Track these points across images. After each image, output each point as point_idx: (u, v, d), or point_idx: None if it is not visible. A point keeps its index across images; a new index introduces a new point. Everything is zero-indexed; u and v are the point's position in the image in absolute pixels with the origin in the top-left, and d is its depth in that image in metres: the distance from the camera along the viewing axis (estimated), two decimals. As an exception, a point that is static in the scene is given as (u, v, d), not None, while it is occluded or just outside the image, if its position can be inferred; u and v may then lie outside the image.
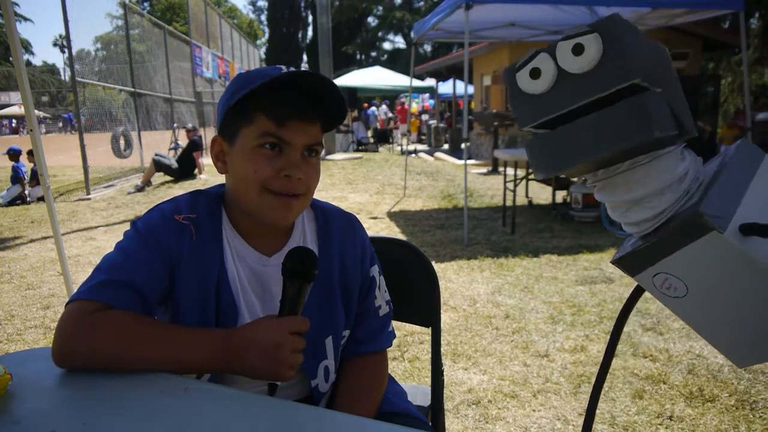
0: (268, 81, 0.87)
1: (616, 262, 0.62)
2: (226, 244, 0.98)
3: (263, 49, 53.00)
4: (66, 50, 8.59)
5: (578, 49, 0.54)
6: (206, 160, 9.48)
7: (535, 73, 0.57)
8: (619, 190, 0.61)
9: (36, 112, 2.70)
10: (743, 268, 0.56)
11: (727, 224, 0.54)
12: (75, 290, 0.90)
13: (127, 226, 0.99)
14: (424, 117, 20.68)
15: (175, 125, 12.63)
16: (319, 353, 1.01)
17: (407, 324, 1.21)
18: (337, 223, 1.07)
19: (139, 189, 8.52)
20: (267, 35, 57.06)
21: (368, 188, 8.29)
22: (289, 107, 0.91)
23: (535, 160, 0.59)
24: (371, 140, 16.41)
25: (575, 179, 5.98)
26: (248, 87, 0.88)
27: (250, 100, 0.89)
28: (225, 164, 0.97)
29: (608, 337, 0.70)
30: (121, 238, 0.97)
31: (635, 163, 0.59)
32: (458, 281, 3.98)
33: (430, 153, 14.44)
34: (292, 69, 0.91)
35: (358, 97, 18.39)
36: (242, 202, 0.96)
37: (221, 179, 1.01)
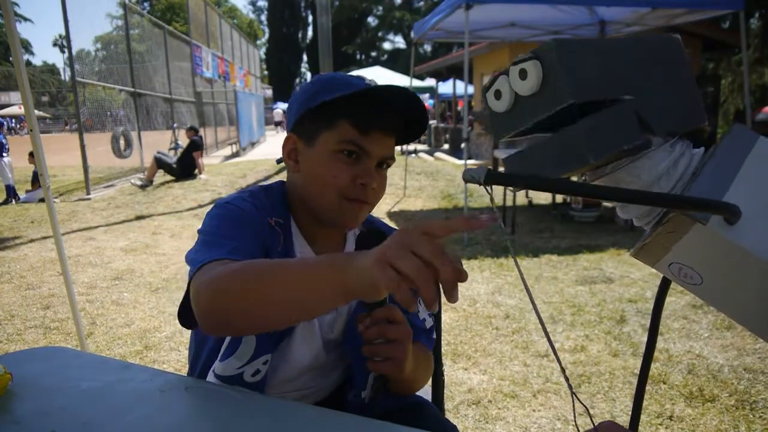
0: (360, 90, 0.88)
1: (634, 255, 0.66)
2: (297, 251, 0.98)
3: (263, 49, 53.03)
4: (66, 50, 8.61)
5: (523, 74, 0.60)
6: (207, 161, 9.47)
7: (498, 95, 0.64)
8: None
9: (36, 112, 2.70)
10: (735, 255, 0.56)
11: (710, 215, 0.55)
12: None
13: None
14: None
15: (175, 125, 12.61)
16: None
17: (407, 324, 1.22)
18: (381, 236, 1.03)
19: (144, 185, 8.53)
20: (267, 35, 57.09)
21: (368, 188, 8.28)
22: (374, 118, 0.92)
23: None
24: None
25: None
26: (334, 93, 0.89)
27: (334, 106, 0.90)
28: (297, 163, 0.97)
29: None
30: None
31: (617, 167, 0.63)
32: (458, 281, 3.97)
33: (430, 153, 14.44)
34: (374, 83, 0.92)
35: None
36: (313, 203, 0.96)
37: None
